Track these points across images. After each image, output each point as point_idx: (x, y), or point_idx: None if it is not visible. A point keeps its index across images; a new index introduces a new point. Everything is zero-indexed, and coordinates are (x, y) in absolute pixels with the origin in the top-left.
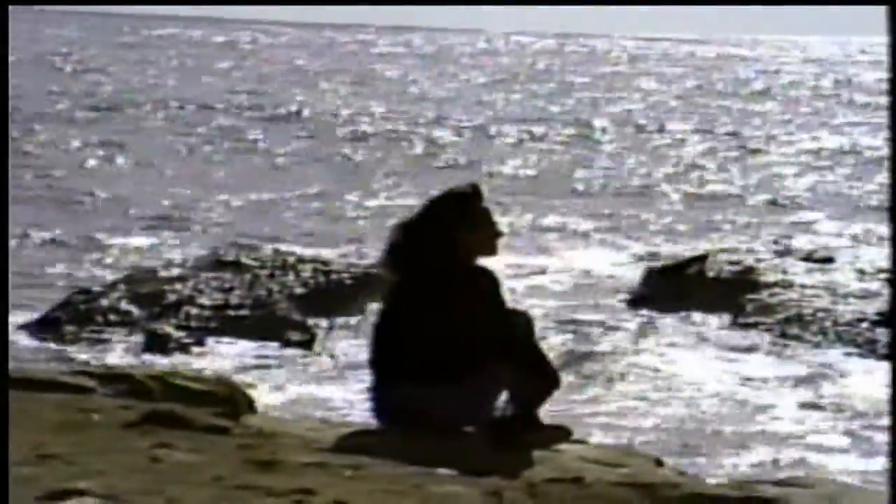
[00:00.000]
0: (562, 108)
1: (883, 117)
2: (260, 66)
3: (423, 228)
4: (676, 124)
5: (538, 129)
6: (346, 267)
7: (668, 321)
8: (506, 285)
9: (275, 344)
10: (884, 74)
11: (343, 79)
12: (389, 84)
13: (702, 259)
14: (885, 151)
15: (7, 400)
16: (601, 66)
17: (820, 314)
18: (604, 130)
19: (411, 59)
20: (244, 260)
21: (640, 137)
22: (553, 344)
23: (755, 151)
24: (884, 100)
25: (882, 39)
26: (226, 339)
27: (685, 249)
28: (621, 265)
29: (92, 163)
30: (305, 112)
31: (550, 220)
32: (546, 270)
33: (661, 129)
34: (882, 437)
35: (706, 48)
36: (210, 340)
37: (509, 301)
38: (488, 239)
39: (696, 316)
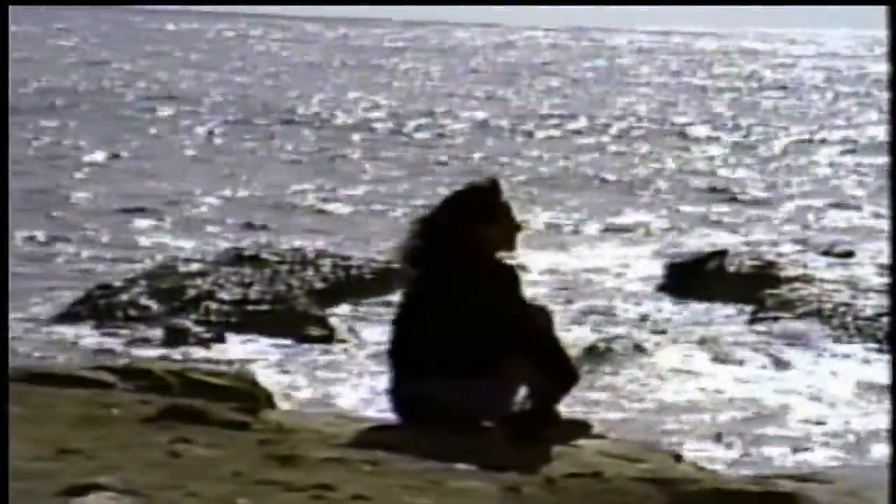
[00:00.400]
0: (568, 101)
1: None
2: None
3: (443, 223)
4: (685, 117)
5: (549, 123)
6: (365, 262)
7: (688, 316)
8: (525, 281)
9: (294, 339)
10: None
11: (351, 74)
12: (398, 78)
13: (722, 254)
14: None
15: (7, 399)
16: (609, 59)
17: (840, 309)
18: (611, 125)
19: (424, 54)
20: (264, 255)
21: (654, 130)
22: (573, 339)
23: (762, 145)
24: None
25: None
26: (245, 335)
27: (706, 244)
28: (641, 259)
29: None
30: (303, 109)
31: (567, 215)
32: (564, 266)
33: (670, 123)
34: None
35: (723, 42)
36: (230, 335)
37: (528, 296)
38: (508, 233)
39: (717, 311)
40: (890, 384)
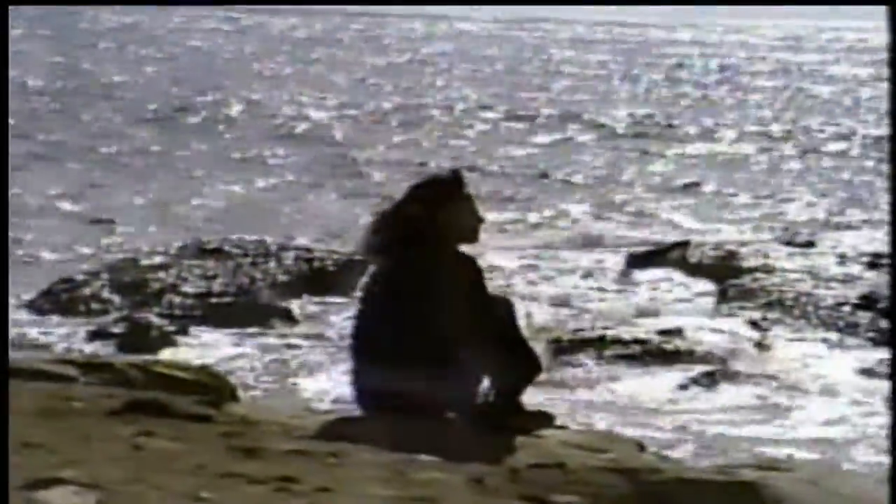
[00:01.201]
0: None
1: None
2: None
3: (405, 213)
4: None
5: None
6: (328, 254)
7: (649, 305)
8: (487, 272)
9: (258, 331)
10: None
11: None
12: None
13: (684, 245)
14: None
15: (7, 397)
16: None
17: (802, 299)
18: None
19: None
20: (227, 248)
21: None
22: (535, 331)
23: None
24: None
25: None
26: (209, 327)
27: (670, 236)
28: (605, 250)
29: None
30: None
31: (522, 212)
32: (528, 255)
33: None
34: (862, 421)
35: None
36: (193, 328)
37: (492, 287)
38: (471, 225)
39: (679, 304)
40: (890, 384)
